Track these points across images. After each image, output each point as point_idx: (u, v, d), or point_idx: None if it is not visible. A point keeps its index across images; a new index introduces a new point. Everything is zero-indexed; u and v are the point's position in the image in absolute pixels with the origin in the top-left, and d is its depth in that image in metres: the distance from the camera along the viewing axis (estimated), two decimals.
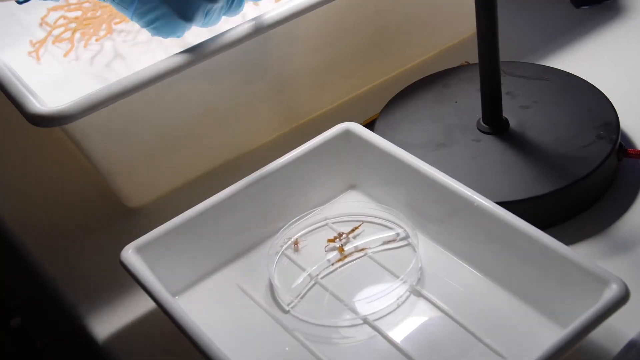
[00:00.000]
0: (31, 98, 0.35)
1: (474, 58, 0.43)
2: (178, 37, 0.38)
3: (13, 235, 0.45)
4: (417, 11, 0.50)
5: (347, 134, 0.39)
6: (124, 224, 0.44)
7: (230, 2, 0.38)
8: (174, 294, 0.34)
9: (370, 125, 0.44)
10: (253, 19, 0.40)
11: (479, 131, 0.41)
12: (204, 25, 0.38)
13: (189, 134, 0.43)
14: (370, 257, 0.36)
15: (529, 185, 0.36)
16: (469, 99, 0.43)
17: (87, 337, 0.37)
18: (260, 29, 0.39)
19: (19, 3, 0.59)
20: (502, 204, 0.32)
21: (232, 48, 0.39)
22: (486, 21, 0.37)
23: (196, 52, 0.38)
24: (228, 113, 0.44)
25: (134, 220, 0.43)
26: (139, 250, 0.33)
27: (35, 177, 0.50)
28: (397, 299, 0.33)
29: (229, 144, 0.46)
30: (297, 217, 0.38)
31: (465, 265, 0.34)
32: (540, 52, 0.52)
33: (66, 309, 0.39)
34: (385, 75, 0.52)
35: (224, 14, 0.39)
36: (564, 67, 0.47)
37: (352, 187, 0.41)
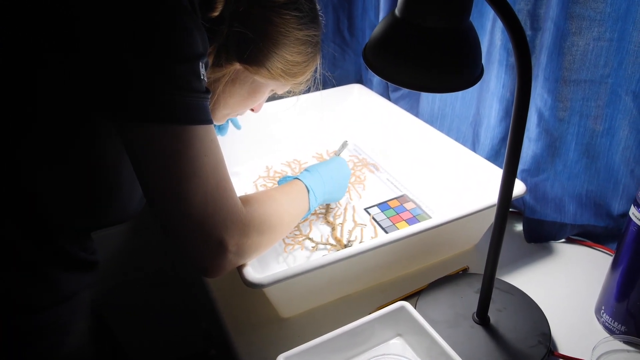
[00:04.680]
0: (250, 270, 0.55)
1: (470, 263, 0.69)
2: None
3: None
4: (441, 242, 0.71)
5: (402, 308, 0.60)
6: (278, 327, 0.64)
7: None
8: None
9: (410, 296, 0.66)
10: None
11: (473, 321, 0.61)
12: None
13: (331, 285, 0.64)
14: None
15: None
16: (469, 297, 0.65)
17: None
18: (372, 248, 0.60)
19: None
20: None
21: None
22: (492, 262, 0.59)
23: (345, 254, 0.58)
24: (349, 281, 0.64)
25: (284, 326, 0.64)
26: (287, 357, 0.53)
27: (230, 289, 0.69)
28: None
29: (346, 289, 0.67)
30: (369, 348, 0.58)
31: None
32: (507, 269, 0.72)
33: None
34: (416, 267, 0.72)
35: None
36: (519, 281, 0.68)
37: (399, 335, 0.61)
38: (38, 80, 0.46)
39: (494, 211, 0.54)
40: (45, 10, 0.44)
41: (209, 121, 0.47)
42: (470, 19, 0.47)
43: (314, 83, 0.72)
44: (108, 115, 0.45)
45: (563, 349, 0.60)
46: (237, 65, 0.58)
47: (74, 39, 0.43)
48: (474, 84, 0.48)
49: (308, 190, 0.69)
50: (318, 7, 0.63)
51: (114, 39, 0.42)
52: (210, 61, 0.55)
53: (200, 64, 0.46)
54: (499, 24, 0.74)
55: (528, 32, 0.71)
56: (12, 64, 0.46)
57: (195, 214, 0.47)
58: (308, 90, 0.73)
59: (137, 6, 0.42)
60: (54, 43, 0.44)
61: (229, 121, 0.85)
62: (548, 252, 0.76)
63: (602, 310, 0.63)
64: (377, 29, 0.48)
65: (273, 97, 0.90)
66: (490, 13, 0.77)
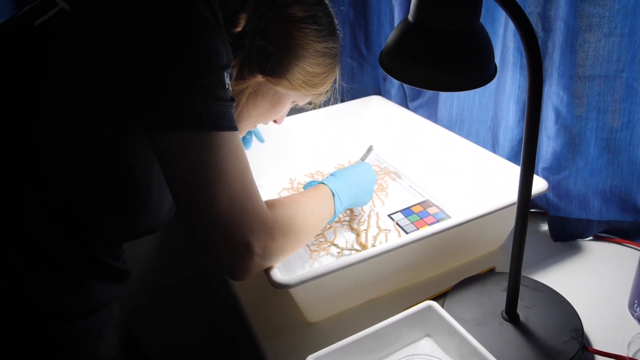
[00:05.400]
0: (277, 271, 0.57)
1: (497, 264, 0.68)
2: None
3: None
4: (465, 242, 0.71)
5: (429, 307, 0.60)
6: (306, 332, 0.65)
7: None
8: None
9: (437, 298, 0.66)
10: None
11: (502, 319, 0.61)
12: None
13: (358, 287, 0.65)
14: None
15: None
16: (497, 296, 0.65)
17: None
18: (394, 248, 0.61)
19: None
20: None
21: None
22: (516, 262, 0.59)
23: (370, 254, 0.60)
24: (376, 284, 0.65)
25: (312, 330, 0.65)
26: (316, 358, 0.54)
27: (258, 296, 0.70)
28: None
29: (373, 292, 0.68)
30: (398, 349, 0.59)
31: None
32: (535, 269, 0.72)
33: None
34: (442, 269, 0.72)
35: None
36: (548, 280, 0.67)
37: (427, 336, 0.61)
38: (75, 96, 0.49)
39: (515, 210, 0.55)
40: (81, 32, 0.48)
41: (234, 128, 0.50)
42: (484, 24, 0.49)
43: (333, 94, 0.74)
44: (140, 124, 0.48)
45: (597, 344, 0.60)
46: (260, 78, 0.61)
47: (107, 55, 0.47)
48: (488, 82, 0.50)
49: (333, 195, 0.71)
50: (336, 20, 0.66)
51: (142, 51, 0.46)
52: (234, 74, 0.58)
53: (225, 74, 0.49)
54: (511, 27, 0.76)
55: (540, 34, 0.72)
56: (42, 75, 0.49)
57: (221, 217, 0.49)
58: (328, 103, 0.76)
59: (165, 20, 0.46)
60: (89, 61, 0.47)
61: (253, 135, 0.88)
62: (576, 250, 0.76)
63: (636, 305, 0.62)
64: (392, 35, 0.51)
65: (295, 111, 0.93)
66: (502, 19, 0.79)
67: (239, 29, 0.55)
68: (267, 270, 0.57)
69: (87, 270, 0.55)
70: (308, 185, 0.78)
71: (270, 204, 0.56)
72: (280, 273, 0.57)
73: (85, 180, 0.52)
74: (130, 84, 0.47)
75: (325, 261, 0.74)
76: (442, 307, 0.62)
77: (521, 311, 0.62)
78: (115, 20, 0.47)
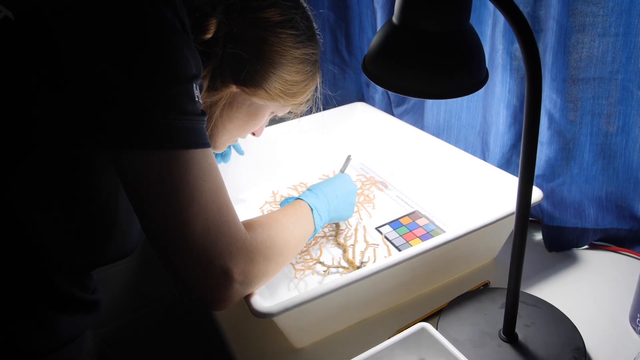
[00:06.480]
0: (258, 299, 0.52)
1: (491, 277, 0.65)
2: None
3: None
4: (458, 256, 0.67)
5: (423, 330, 0.56)
6: (292, 359, 0.60)
7: None
8: None
9: (430, 317, 0.62)
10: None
11: (500, 339, 0.57)
12: None
13: (346, 310, 0.60)
14: None
15: None
16: (493, 313, 0.61)
17: None
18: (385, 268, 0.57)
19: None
20: None
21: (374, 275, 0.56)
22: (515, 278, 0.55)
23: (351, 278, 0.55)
24: (365, 305, 0.60)
25: (299, 357, 0.60)
26: None
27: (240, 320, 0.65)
28: None
29: (363, 313, 0.63)
30: None
31: None
32: (531, 281, 0.68)
33: None
34: (434, 286, 0.68)
35: None
36: (544, 293, 0.64)
37: (421, 358, 0.57)
38: (30, 116, 0.44)
39: (511, 221, 0.51)
40: (30, 42, 0.43)
41: (206, 144, 0.45)
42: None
43: (315, 103, 0.70)
44: (101, 143, 0.43)
45: None
46: (234, 88, 0.56)
47: (61, 68, 0.42)
48: (481, 87, 0.46)
49: (312, 210, 0.67)
50: (315, 24, 0.62)
51: (101, 64, 0.41)
52: (205, 84, 0.53)
53: (194, 85, 0.44)
54: (499, 29, 0.72)
55: None
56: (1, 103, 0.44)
57: (196, 243, 0.45)
58: (310, 112, 0.71)
59: (126, 28, 0.41)
60: (41, 76, 0.42)
61: (232, 147, 0.83)
62: (572, 260, 0.72)
63: (638, 319, 0.58)
64: (376, 39, 0.46)
65: (275, 120, 0.88)
66: (489, 19, 0.75)
67: (209, 36, 0.50)
68: (248, 298, 0.52)
69: (51, 304, 0.50)
70: (285, 202, 0.73)
71: (247, 224, 0.52)
72: (262, 296, 0.53)
73: (46, 213, 0.46)
74: (89, 99, 0.42)
75: (311, 280, 0.70)
76: (437, 328, 0.58)
77: (520, 330, 0.58)
78: (71, 29, 0.42)
